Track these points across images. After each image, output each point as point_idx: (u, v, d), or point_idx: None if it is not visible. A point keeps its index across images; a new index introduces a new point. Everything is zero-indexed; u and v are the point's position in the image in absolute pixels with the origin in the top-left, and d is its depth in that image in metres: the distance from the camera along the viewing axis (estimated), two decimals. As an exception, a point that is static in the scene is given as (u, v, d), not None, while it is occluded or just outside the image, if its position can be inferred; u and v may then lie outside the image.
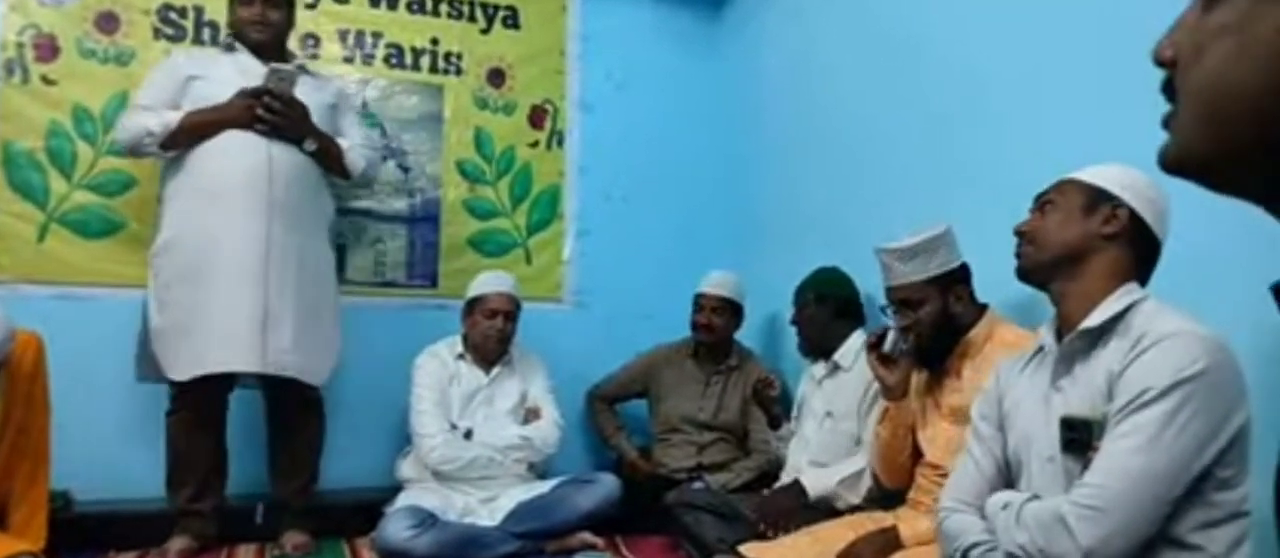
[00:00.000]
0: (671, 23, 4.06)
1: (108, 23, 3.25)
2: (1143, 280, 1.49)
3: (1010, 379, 1.63)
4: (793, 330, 2.87)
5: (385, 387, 3.19)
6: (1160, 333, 1.32)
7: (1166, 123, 0.62)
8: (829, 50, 3.30)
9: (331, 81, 3.13)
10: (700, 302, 3.27)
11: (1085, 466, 1.36)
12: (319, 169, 2.88)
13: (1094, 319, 1.43)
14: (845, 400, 2.63)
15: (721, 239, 3.84)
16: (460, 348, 3.14)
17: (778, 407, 2.99)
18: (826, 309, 2.75)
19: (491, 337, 3.08)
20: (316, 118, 2.84)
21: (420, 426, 2.97)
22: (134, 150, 2.81)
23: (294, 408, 2.92)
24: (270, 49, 2.87)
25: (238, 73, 2.78)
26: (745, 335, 3.39)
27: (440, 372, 3.07)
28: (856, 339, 2.67)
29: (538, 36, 3.86)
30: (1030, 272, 1.58)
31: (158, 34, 3.32)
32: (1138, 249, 1.48)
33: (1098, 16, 2.10)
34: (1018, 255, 1.60)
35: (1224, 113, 0.57)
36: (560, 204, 3.84)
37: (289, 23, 2.96)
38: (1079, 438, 1.40)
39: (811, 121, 3.38)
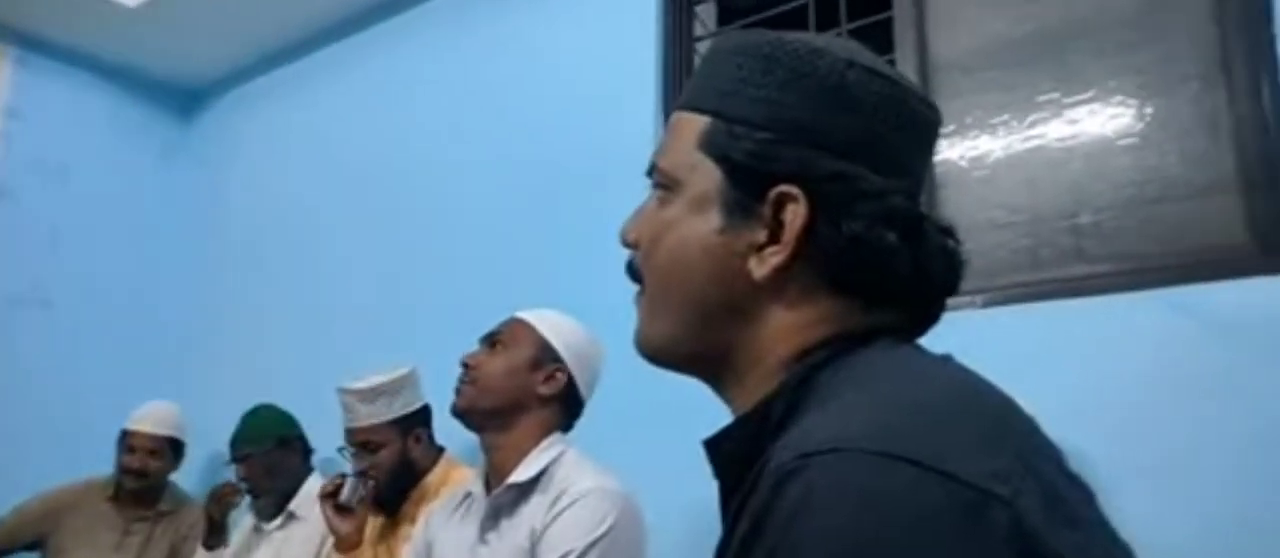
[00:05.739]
0: (131, 114, 3.61)
1: None
2: (567, 429, 1.66)
3: (439, 526, 1.69)
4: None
5: None
6: (576, 493, 1.49)
7: (638, 300, 0.69)
8: (300, 176, 3.22)
9: None
10: (130, 441, 2.77)
11: None
12: None
13: (521, 474, 1.55)
14: (295, 552, 2.40)
15: (162, 363, 3.37)
16: None
17: (227, 526, 2.62)
18: (287, 452, 2.55)
19: None
20: None
21: None
22: None
23: None
24: None
25: None
26: (183, 476, 2.96)
27: None
28: (312, 484, 2.48)
29: (-54, 101, 3.15)
30: (466, 412, 1.65)
31: None
32: (567, 406, 1.67)
33: (549, 172, 2.37)
34: (458, 390, 1.66)
35: (677, 291, 0.65)
36: (-55, 303, 3.08)
37: None
38: None
39: (277, 247, 3.23)
